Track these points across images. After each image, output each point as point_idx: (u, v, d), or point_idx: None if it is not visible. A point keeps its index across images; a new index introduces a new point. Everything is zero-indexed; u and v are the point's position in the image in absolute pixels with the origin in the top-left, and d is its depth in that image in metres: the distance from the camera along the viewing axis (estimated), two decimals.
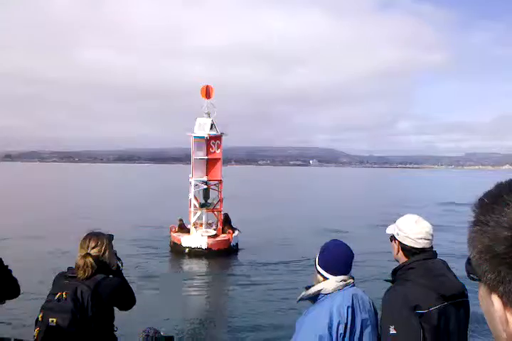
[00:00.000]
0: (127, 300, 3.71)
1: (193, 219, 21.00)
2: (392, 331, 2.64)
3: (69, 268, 3.60)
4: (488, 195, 0.69)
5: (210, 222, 21.54)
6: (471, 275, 0.72)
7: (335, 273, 2.94)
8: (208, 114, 21.15)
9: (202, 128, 20.82)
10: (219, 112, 21.50)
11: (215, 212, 21.40)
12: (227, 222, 21.62)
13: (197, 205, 20.91)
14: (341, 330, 2.73)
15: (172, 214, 24.75)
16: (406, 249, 2.88)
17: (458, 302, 2.77)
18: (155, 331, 1.67)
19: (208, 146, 21.01)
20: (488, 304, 0.69)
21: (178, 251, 20.71)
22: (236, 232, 21.58)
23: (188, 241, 20.59)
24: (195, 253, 20.27)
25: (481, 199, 0.70)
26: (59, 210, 35.31)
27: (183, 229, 21.49)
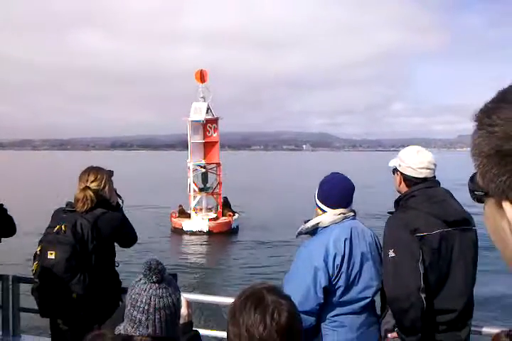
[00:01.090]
0: (128, 236, 3.65)
1: (192, 203, 21.15)
2: (392, 254, 2.66)
3: (68, 203, 3.51)
4: (491, 100, 0.66)
5: (209, 207, 21.73)
6: (476, 192, 0.68)
7: (333, 206, 2.87)
8: (204, 98, 21.23)
9: (198, 112, 20.90)
10: (212, 97, 21.62)
11: (215, 196, 21.57)
12: (226, 205, 21.81)
13: (196, 189, 21.06)
14: (338, 262, 2.71)
15: (171, 200, 24.88)
16: (408, 179, 2.88)
17: (462, 229, 2.76)
18: (158, 263, 1.78)
19: (205, 130, 21.12)
20: (497, 219, 0.65)
21: (179, 236, 20.92)
22: (236, 215, 21.83)
23: (189, 225, 20.83)
24: (197, 236, 20.52)
25: (483, 106, 0.66)
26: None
27: (184, 214, 21.72)
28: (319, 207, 2.93)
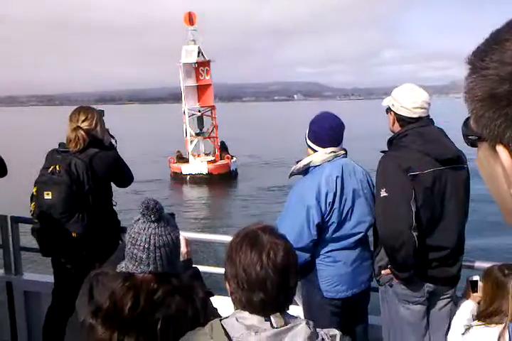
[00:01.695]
0: (124, 175, 3.63)
1: (190, 147, 21.43)
2: (384, 193, 2.66)
3: (60, 144, 3.45)
4: (484, 41, 0.64)
5: (207, 152, 21.97)
6: (469, 137, 0.67)
7: (324, 145, 2.88)
8: (194, 41, 21.05)
9: (189, 54, 20.78)
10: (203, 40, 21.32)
11: (211, 139, 21.85)
12: (224, 149, 22.11)
13: (192, 133, 21.27)
14: (330, 199, 2.75)
15: (167, 149, 25.00)
16: (401, 119, 2.84)
17: (455, 167, 2.76)
18: (155, 202, 1.81)
19: (197, 73, 21.06)
20: (490, 162, 0.64)
21: (179, 180, 21.32)
22: (234, 158, 22.21)
23: (188, 168, 21.17)
24: (197, 179, 20.88)
25: (475, 49, 0.64)
26: None
27: (182, 159, 22.00)
28: (310, 147, 2.95)
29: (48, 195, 3.24)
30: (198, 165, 21.12)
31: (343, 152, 2.94)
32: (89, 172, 3.31)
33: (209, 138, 21.84)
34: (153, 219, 1.78)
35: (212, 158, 21.64)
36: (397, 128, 2.88)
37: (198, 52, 20.82)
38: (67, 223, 3.27)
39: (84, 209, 3.30)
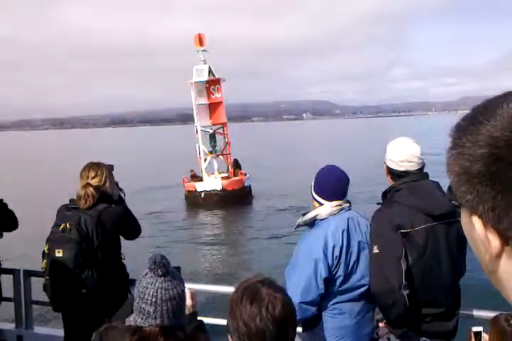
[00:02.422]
0: (132, 228, 3.72)
1: (203, 165, 21.51)
2: (375, 250, 2.69)
3: (71, 200, 3.58)
4: (465, 118, 0.70)
5: (220, 172, 21.99)
6: (453, 201, 0.72)
7: (329, 199, 2.95)
8: (204, 61, 21.38)
9: (200, 74, 21.10)
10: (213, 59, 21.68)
11: (225, 156, 21.98)
12: (237, 167, 22.16)
13: (206, 151, 21.41)
14: (337, 253, 2.80)
15: (181, 170, 25.08)
16: (391, 172, 2.88)
17: (449, 222, 2.74)
18: (162, 257, 1.90)
19: (209, 92, 21.34)
20: (471, 228, 0.70)
21: (193, 200, 21.27)
22: (248, 175, 22.29)
23: (202, 186, 21.20)
24: (211, 196, 20.83)
25: (456, 125, 0.70)
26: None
27: (196, 178, 22.04)
28: (316, 200, 3.01)
29: (59, 253, 3.35)
30: (212, 182, 21.16)
31: (347, 205, 3.01)
32: (98, 228, 3.42)
33: (222, 155, 21.97)
34: (160, 273, 1.87)
35: (226, 175, 21.72)
36: (389, 180, 2.93)
37: (209, 72, 21.10)
38: (78, 279, 3.37)
39: (93, 265, 3.40)
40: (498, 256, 0.67)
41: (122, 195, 3.78)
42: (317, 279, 2.78)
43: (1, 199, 3.90)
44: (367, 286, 2.85)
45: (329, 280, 2.82)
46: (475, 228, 0.68)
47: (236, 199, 20.85)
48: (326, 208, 2.94)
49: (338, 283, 2.84)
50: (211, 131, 21.75)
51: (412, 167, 2.83)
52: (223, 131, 21.85)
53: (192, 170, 22.25)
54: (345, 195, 3.02)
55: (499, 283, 0.70)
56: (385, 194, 2.93)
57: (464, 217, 0.71)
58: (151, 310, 1.85)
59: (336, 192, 2.97)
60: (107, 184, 3.60)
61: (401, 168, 2.83)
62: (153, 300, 1.85)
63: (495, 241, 0.67)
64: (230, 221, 19.52)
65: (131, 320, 1.87)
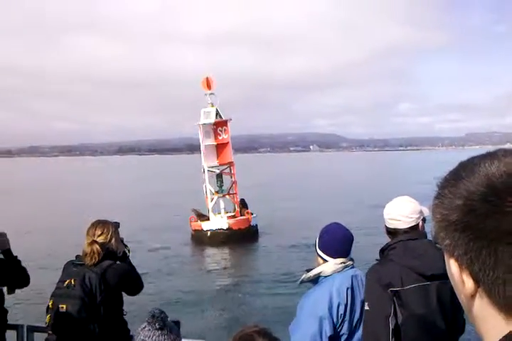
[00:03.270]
0: (134, 285, 3.81)
1: (210, 204, 21.70)
2: (366, 307, 2.72)
3: (77, 256, 3.70)
4: (450, 172, 0.80)
5: (227, 211, 22.13)
6: (437, 244, 0.83)
7: (334, 256, 2.99)
8: (212, 104, 21.94)
9: (207, 116, 21.70)
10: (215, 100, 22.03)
11: (231, 196, 22.17)
12: (244, 206, 22.27)
13: (212, 191, 21.66)
14: (341, 311, 2.82)
15: (187, 204, 25.08)
16: (386, 229, 2.96)
17: (442, 283, 2.70)
18: (160, 311, 1.97)
19: (216, 133, 21.85)
20: (450, 269, 0.78)
21: (200, 238, 21.41)
22: (254, 214, 22.36)
23: (209, 225, 21.34)
24: (217, 235, 20.93)
25: (443, 177, 0.80)
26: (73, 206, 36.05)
27: (202, 216, 22.13)
28: (320, 256, 3.05)
29: (62, 309, 3.45)
30: (218, 221, 21.32)
31: (351, 262, 3.05)
32: (102, 285, 3.53)
33: (228, 194, 22.18)
34: (157, 326, 1.94)
35: (233, 214, 21.88)
36: (387, 237, 2.98)
37: (216, 114, 21.70)
38: (81, 334, 3.46)
39: (96, 321, 3.49)
40: (473, 296, 0.75)
41: (127, 251, 3.91)
42: (322, 337, 2.78)
43: (16, 256, 3.98)
44: None
45: (333, 338, 2.83)
46: (452, 270, 0.77)
47: (242, 237, 20.93)
48: (330, 265, 2.97)
49: (342, 340, 2.86)
50: (218, 171, 22.04)
51: (400, 225, 2.86)
52: (230, 170, 22.15)
53: (194, 209, 22.35)
54: (349, 253, 3.06)
55: (474, 321, 0.77)
56: (382, 251, 2.95)
57: (446, 260, 0.79)
58: None
59: (341, 249, 3.01)
60: (113, 241, 3.73)
61: (390, 225, 2.90)
62: None
63: (469, 283, 0.75)
64: (234, 261, 19.43)
65: None
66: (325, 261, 3.02)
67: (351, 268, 3.04)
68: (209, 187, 21.65)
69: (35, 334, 4.30)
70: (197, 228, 21.70)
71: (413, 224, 2.88)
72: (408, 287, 2.69)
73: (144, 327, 1.96)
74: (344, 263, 2.99)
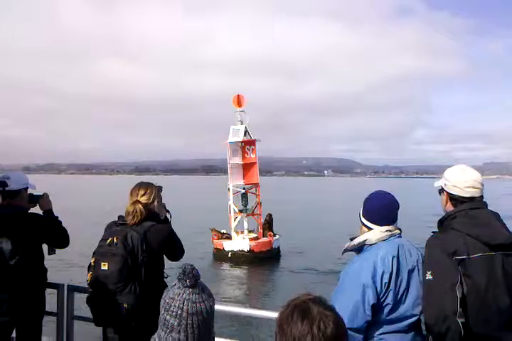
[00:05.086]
0: (176, 248, 3.74)
1: (233, 224, 21.63)
2: (429, 276, 2.61)
3: (119, 217, 3.69)
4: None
5: (250, 229, 22.05)
6: None
7: (379, 223, 2.87)
8: (241, 122, 21.97)
9: (236, 134, 21.66)
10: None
11: (255, 216, 22.02)
12: (269, 223, 22.10)
13: (236, 210, 21.57)
14: (386, 280, 2.69)
15: (207, 220, 25.17)
16: (454, 199, 2.84)
17: (506, 254, 2.64)
18: (192, 268, 1.79)
19: (243, 152, 21.79)
20: None
21: (221, 257, 21.37)
22: (277, 236, 22.20)
23: (230, 245, 21.29)
24: (238, 256, 20.88)
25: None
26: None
27: (221, 234, 22.16)
28: (365, 225, 2.94)
29: (104, 266, 3.42)
30: (240, 243, 21.18)
31: (398, 231, 2.92)
32: (143, 244, 3.48)
33: (253, 215, 22.05)
34: (188, 284, 1.75)
35: (255, 235, 21.67)
36: (449, 207, 2.87)
37: (245, 132, 21.65)
38: (120, 294, 3.40)
39: (136, 280, 3.44)
40: None
41: (168, 216, 3.87)
42: (364, 305, 2.66)
43: (57, 216, 4.03)
44: (417, 317, 2.74)
45: (377, 308, 2.69)
46: None
47: (263, 259, 20.79)
48: (375, 233, 2.86)
49: (386, 311, 2.72)
50: (243, 191, 21.97)
51: (476, 193, 2.80)
52: (256, 191, 22.04)
53: (213, 229, 22.23)
54: (395, 221, 2.94)
55: None
56: (440, 222, 2.86)
57: None
58: (176, 323, 1.72)
59: (386, 216, 2.90)
60: (155, 203, 3.70)
61: (466, 193, 2.79)
62: (179, 312, 1.72)
63: None
64: (254, 282, 19.24)
65: (156, 334, 1.79)
66: (369, 229, 2.90)
67: (398, 237, 2.89)
68: (233, 207, 21.58)
69: (76, 294, 4.28)
70: (219, 247, 21.64)
71: (483, 192, 2.84)
72: (474, 256, 2.60)
73: (174, 285, 1.79)
74: (390, 231, 2.86)
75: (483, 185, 2.85)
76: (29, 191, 4.05)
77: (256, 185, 21.94)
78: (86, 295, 3.65)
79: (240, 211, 21.61)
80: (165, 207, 3.85)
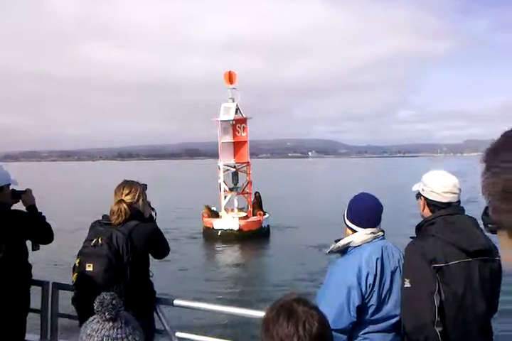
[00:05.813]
0: (161, 247, 3.78)
1: (223, 202, 21.56)
2: (407, 284, 2.64)
3: (103, 216, 3.69)
4: (493, 145, 0.77)
5: (240, 207, 22.03)
6: (489, 225, 0.75)
7: (363, 226, 2.94)
8: (233, 99, 21.64)
9: (227, 112, 21.33)
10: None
11: (245, 195, 21.97)
12: (258, 201, 22.06)
13: (227, 189, 21.47)
14: (370, 281, 2.76)
15: (202, 201, 25.14)
16: (432, 204, 2.84)
17: (484, 260, 2.67)
18: (112, 297, 1.63)
19: (234, 130, 21.55)
20: (511, 250, 0.72)
21: (210, 235, 21.41)
22: (266, 215, 22.17)
23: (219, 224, 21.24)
24: (227, 235, 20.89)
25: (487, 149, 0.76)
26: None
27: (212, 212, 22.10)
28: (349, 227, 3.01)
29: (89, 267, 3.43)
30: (230, 221, 21.15)
31: (381, 233, 3.00)
32: (128, 244, 3.49)
33: (242, 193, 22.01)
34: (107, 317, 1.57)
35: (245, 214, 21.64)
36: (427, 213, 2.89)
37: (236, 110, 21.32)
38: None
39: (121, 281, 3.46)
40: None
41: (154, 215, 3.87)
42: (349, 307, 2.73)
43: (40, 212, 4.00)
44: (399, 317, 2.79)
45: (361, 309, 2.77)
46: None
47: (253, 238, 20.87)
48: (359, 235, 2.92)
49: (370, 312, 2.79)
50: (234, 170, 21.88)
51: (454, 198, 2.83)
52: (246, 169, 21.96)
53: (206, 206, 22.18)
54: (379, 223, 3.01)
55: None
56: (418, 227, 2.90)
57: (503, 238, 0.72)
58: None
59: (370, 218, 2.97)
60: (140, 201, 3.71)
61: (444, 199, 2.81)
62: None
63: None
64: (245, 258, 19.36)
65: None
66: (354, 231, 2.98)
67: (381, 239, 2.98)
68: (223, 185, 21.51)
69: (61, 291, 4.28)
70: (208, 225, 21.62)
71: (459, 198, 2.86)
72: (451, 263, 2.63)
73: (93, 319, 1.61)
74: (374, 233, 2.95)
75: (460, 190, 2.86)
76: (12, 187, 3.99)
77: (247, 163, 21.84)
78: (71, 293, 3.67)
79: (231, 189, 21.55)
80: (150, 205, 3.85)
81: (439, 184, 2.83)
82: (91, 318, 1.62)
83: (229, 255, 19.70)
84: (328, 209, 29.69)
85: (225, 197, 21.60)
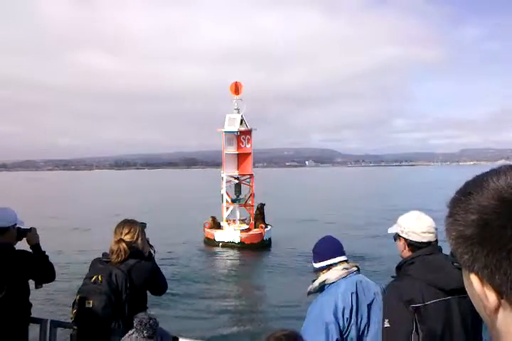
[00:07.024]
0: (159, 284, 3.84)
1: (225, 214, 21.29)
2: (386, 324, 2.69)
3: (104, 254, 3.74)
4: (458, 191, 0.82)
5: (242, 218, 21.74)
6: (455, 263, 0.82)
7: (332, 257, 3.06)
8: (238, 110, 21.38)
9: (232, 123, 21.04)
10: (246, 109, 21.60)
11: (247, 207, 21.68)
12: (261, 212, 21.66)
13: (229, 200, 21.20)
14: (347, 315, 2.84)
15: (205, 212, 24.81)
16: (412, 245, 2.90)
17: (462, 297, 2.68)
18: (149, 318, 1.81)
19: (239, 141, 21.28)
20: (471, 287, 0.78)
21: (211, 246, 21.06)
22: (268, 227, 21.80)
23: (221, 235, 20.93)
24: (229, 247, 20.55)
25: (452, 197, 0.83)
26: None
27: (216, 224, 21.74)
28: (319, 269, 3.11)
29: (89, 304, 3.48)
30: (231, 234, 20.79)
31: (355, 268, 3.08)
32: (127, 282, 3.57)
33: (245, 205, 21.66)
34: (145, 335, 1.76)
35: (247, 227, 21.25)
36: (407, 253, 2.94)
37: (241, 121, 21.04)
38: (105, 330, 3.47)
39: (120, 317, 3.52)
40: (496, 309, 0.75)
41: (152, 252, 3.92)
42: None
43: (44, 251, 4.05)
44: None
45: None
46: (473, 285, 0.77)
47: (254, 251, 20.48)
48: (332, 272, 3.02)
49: None
50: (236, 181, 21.56)
51: (432, 238, 2.89)
52: (249, 182, 21.62)
53: (212, 217, 21.89)
54: (344, 253, 3.12)
55: (498, 338, 0.76)
56: (398, 268, 2.93)
57: (466, 278, 0.80)
58: None
59: (334, 248, 3.10)
60: (139, 241, 3.78)
61: (424, 239, 2.88)
62: None
63: (491, 296, 0.75)
64: (245, 273, 18.87)
65: None
66: (328, 269, 3.06)
67: (356, 273, 3.05)
68: (226, 196, 21.20)
69: (59, 329, 4.30)
70: (209, 236, 21.32)
71: (436, 238, 2.92)
72: (429, 302, 2.67)
73: (131, 333, 1.80)
74: (347, 269, 3.03)
75: (436, 230, 2.94)
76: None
77: (250, 175, 21.48)
78: (69, 330, 3.66)
79: (233, 201, 21.23)
80: (148, 243, 3.92)
81: (417, 225, 2.91)
82: (130, 332, 1.79)
83: (228, 266, 19.19)
84: (330, 219, 29.49)
85: (227, 209, 21.21)
